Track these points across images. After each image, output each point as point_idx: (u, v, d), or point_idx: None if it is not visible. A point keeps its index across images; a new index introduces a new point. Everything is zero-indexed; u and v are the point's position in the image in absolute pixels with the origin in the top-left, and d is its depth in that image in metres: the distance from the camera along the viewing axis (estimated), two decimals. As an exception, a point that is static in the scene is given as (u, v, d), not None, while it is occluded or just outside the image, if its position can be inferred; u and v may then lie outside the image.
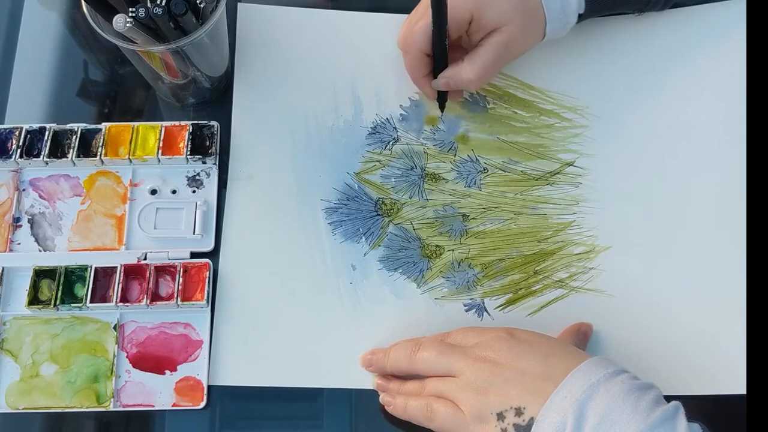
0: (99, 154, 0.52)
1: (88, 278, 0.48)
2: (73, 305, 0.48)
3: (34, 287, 0.49)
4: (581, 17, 0.53)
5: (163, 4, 0.44)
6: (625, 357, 0.48)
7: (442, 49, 0.50)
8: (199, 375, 0.48)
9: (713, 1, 0.58)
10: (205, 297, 0.49)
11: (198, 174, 0.53)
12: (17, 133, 0.52)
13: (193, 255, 0.50)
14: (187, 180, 0.53)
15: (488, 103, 0.56)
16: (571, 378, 0.40)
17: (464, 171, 0.54)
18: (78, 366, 0.48)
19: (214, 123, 0.53)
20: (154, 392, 0.47)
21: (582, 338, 0.48)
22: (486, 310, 0.50)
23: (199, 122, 0.53)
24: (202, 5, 0.47)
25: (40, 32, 0.58)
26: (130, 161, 0.52)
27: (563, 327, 0.49)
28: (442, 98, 0.54)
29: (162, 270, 0.50)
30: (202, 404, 0.47)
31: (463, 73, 0.50)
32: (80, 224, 0.51)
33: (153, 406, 0.47)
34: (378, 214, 0.53)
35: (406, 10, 0.55)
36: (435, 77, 0.52)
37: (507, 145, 0.55)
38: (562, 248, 0.52)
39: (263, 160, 0.53)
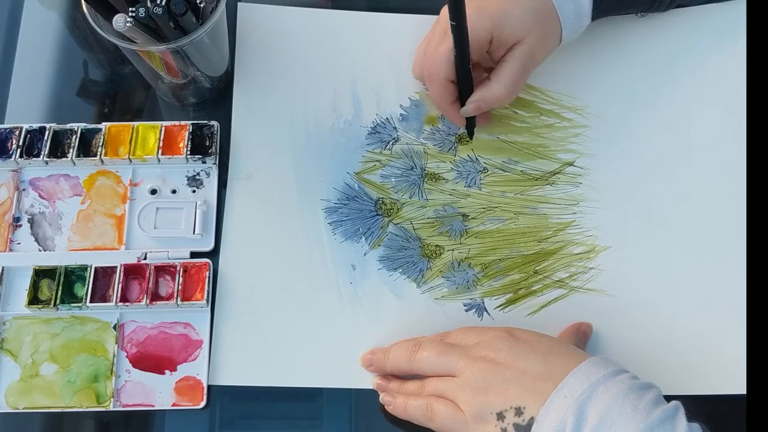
0: (99, 153, 0.52)
1: (87, 278, 0.48)
2: (72, 305, 0.48)
3: (34, 287, 0.49)
4: None
5: (163, 3, 0.44)
6: (625, 357, 0.48)
7: (467, 74, 0.49)
8: (198, 375, 0.48)
9: (714, 1, 0.58)
10: (205, 297, 0.49)
11: (198, 174, 0.53)
12: (17, 132, 0.52)
13: (193, 255, 0.50)
14: (187, 180, 0.53)
15: (488, 102, 0.56)
16: (571, 378, 0.40)
17: (464, 171, 0.54)
18: (78, 366, 0.48)
19: (214, 123, 0.53)
20: (154, 392, 0.47)
21: (582, 338, 0.48)
22: (486, 310, 0.50)
23: (199, 122, 0.53)
24: (202, 5, 0.47)
25: (40, 32, 0.58)
26: (130, 161, 0.52)
27: (563, 327, 0.49)
28: (470, 124, 0.54)
29: (162, 270, 0.50)
30: (202, 404, 0.47)
31: (493, 91, 0.50)
32: (80, 224, 0.51)
33: (153, 405, 0.47)
34: (378, 214, 0.53)
35: (406, 10, 0.55)
36: (462, 103, 0.51)
37: (507, 145, 0.55)
38: (562, 248, 0.52)
39: (263, 160, 0.53)
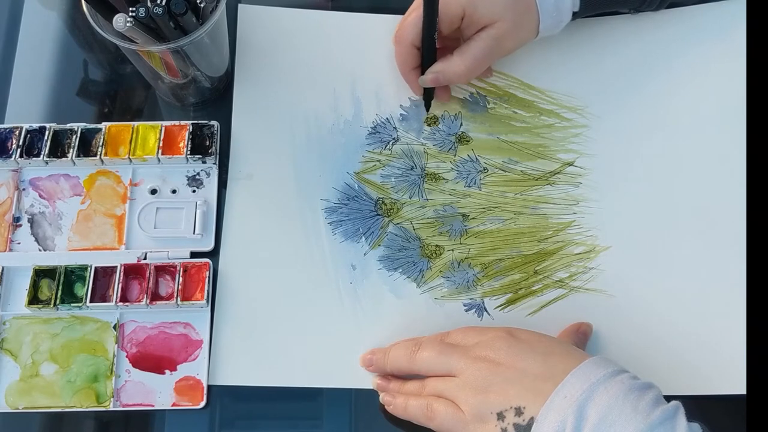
0: (99, 153, 0.52)
1: (87, 278, 0.48)
2: (72, 305, 0.48)
3: (34, 287, 0.49)
4: (575, 15, 0.53)
5: (163, 3, 0.44)
6: (625, 357, 0.48)
7: (431, 42, 0.50)
8: (198, 375, 0.48)
9: (713, 0, 0.58)
10: (205, 297, 0.49)
11: (198, 174, 0.53)
12: (17, 132, 0.52)
13: (193, 255, 0.50)
14: (187, 180, 0.53)
15: (488, 102, 0.56)
16: (571, 378, 0.40)
17: (464, 171, 0.54)
18: (78, 365, 0.48)
19: (214, 123, 0.53)
20: (154, 392, 0.47)
21: (582, 338, 0.48)
22: (486, 310, 0.50)
23: (199, 122, 0.53)
24: (202, 5, 0.47)
25: (40, 32, 0.58)
26: (130, 161, 0.52)
27: (563, 327, 0.49)
28: (428, 96, 0.54)
29: (162, 269, 0.50)
30: (202, 404, 0.47)
31: (453, 66, 0.51)
32: (80, 224, 0.51)
33: (153, 405, 0.47)
34: (378, 214, 0.53)
35: (406, 10, 0.55)
36: (423, 73, 0.52)
37: (507, 145, 0.55)
38: (562, 248, 0.52)
39: (263, 160, 0.53)
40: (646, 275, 0.51)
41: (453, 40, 0.52)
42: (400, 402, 0.45)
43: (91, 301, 0.48)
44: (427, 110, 0.55)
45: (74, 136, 0.52)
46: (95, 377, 0.47)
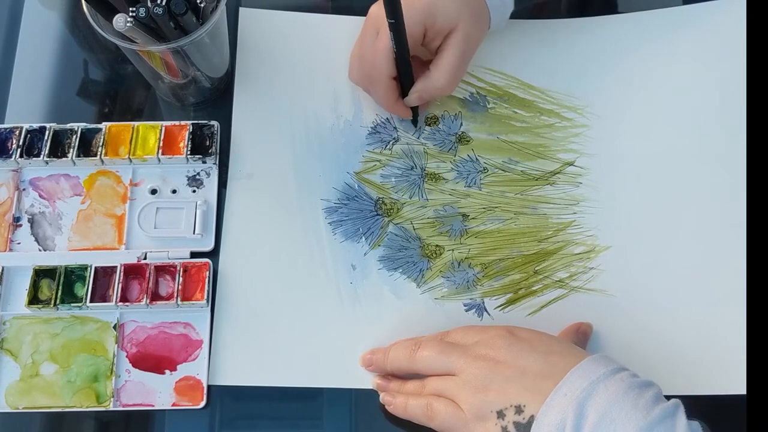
0: (99, 153, 0.52)
1: (88, 278, 0.48)
2: (72, 305, 0.48)
3: (34, 287, 0.49)
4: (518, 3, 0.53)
5: (164, 3, 0.45)
6: (625, 357, 0.48)
7: (408, 69, 0.50)
8: (198, 375, 0.48)
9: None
10: (205, 297, 0.49)
11: (198, 174, 0.53)
12: (17, 132, 0.52)
13: (193, 255, 0.50)
14: (187, 179, 0.53)
15: (488, 102, 0.56)
16: (571, 376, 0.40)
17: (464, 171, 0.54)
18: (78, 365, 0.48)
19: (215, 123, 0.53)
20: (154, 392, 0.47)
21: (582, 338, 0.48)
22: (486, 310, 0.50)
23: (200, 122, 0.53)
24: (202, 5, 0.47)
25: (40, 32, 0.58)
26: (130, 161, 0.52)
27: (563, 327, 0.49)
28: (414, 113, 0.54)
29: (162, 269, 0.49)
30: (202, 404, 0.47)
31: (434, 82, 0.50)
32: (80, 224, 0.51)
33: (153, 405, 0.47)
34: (378, 214, 0.53)
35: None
36: (404, 95, 0.52)
37: (507, 145, 0.55)
38: (562, 248, 0.52)
39: (263, 160, 0.53)
40: (647, 275, 0.51)
41: (416, 51, 0.52)
42: (400, 401, 0.45)
43: (91, 301, 0.48)
44: (416, 126, 0.55)
45: (74, 136, 0.52)
46: (95, 377, 0.47)
